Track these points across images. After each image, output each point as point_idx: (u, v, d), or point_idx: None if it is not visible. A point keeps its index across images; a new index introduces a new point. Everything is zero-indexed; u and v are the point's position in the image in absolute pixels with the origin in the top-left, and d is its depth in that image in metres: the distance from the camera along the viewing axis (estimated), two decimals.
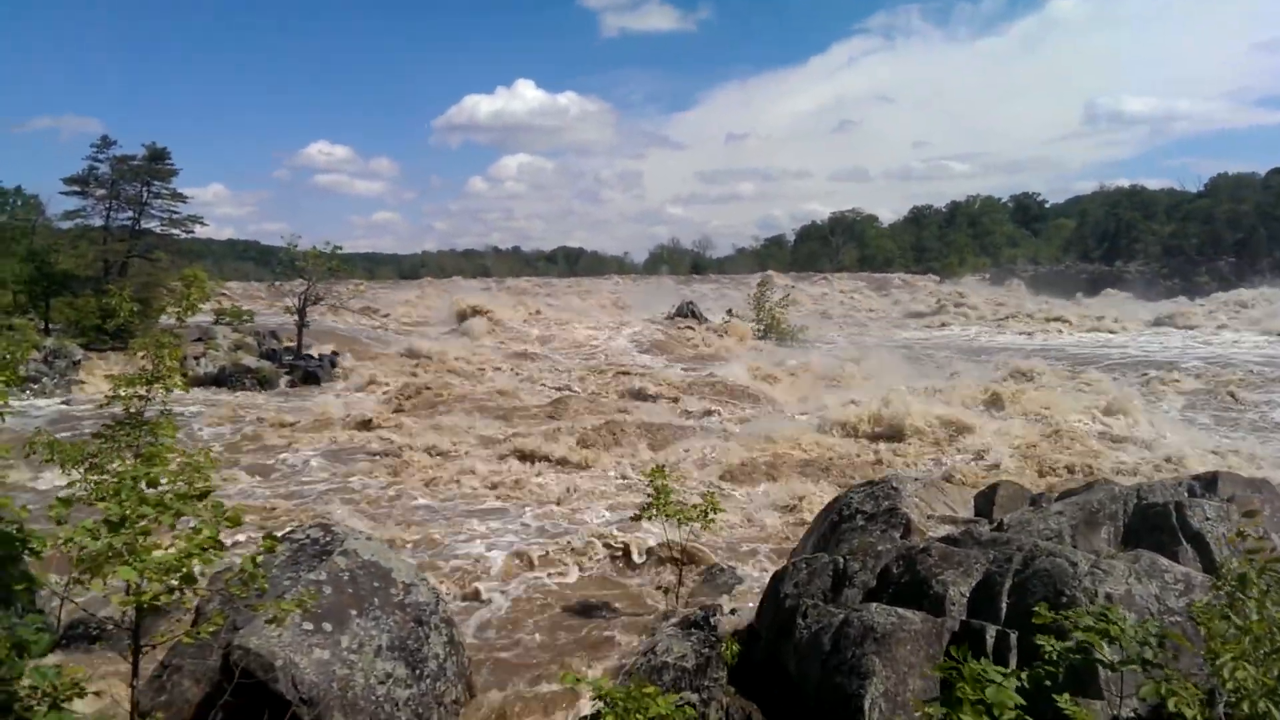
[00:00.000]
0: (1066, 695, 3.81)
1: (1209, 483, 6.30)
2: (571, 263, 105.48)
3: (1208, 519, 5.39)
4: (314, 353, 28.69)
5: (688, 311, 41.79)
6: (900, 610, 5.72)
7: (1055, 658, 3.73)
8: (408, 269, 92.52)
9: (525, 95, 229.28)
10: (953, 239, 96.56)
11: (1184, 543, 5.37)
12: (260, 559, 4.42)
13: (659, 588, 9.52)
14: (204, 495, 4.35)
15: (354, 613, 6.36)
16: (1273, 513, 5.54)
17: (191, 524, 4.17)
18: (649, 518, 8.97)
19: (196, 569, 4.00)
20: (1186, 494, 6.02)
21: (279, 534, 6.06)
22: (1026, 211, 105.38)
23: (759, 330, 38.60)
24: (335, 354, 29.06)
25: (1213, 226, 76.49)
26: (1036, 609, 3.80)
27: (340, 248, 29.73)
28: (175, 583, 3.89)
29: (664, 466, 9.91)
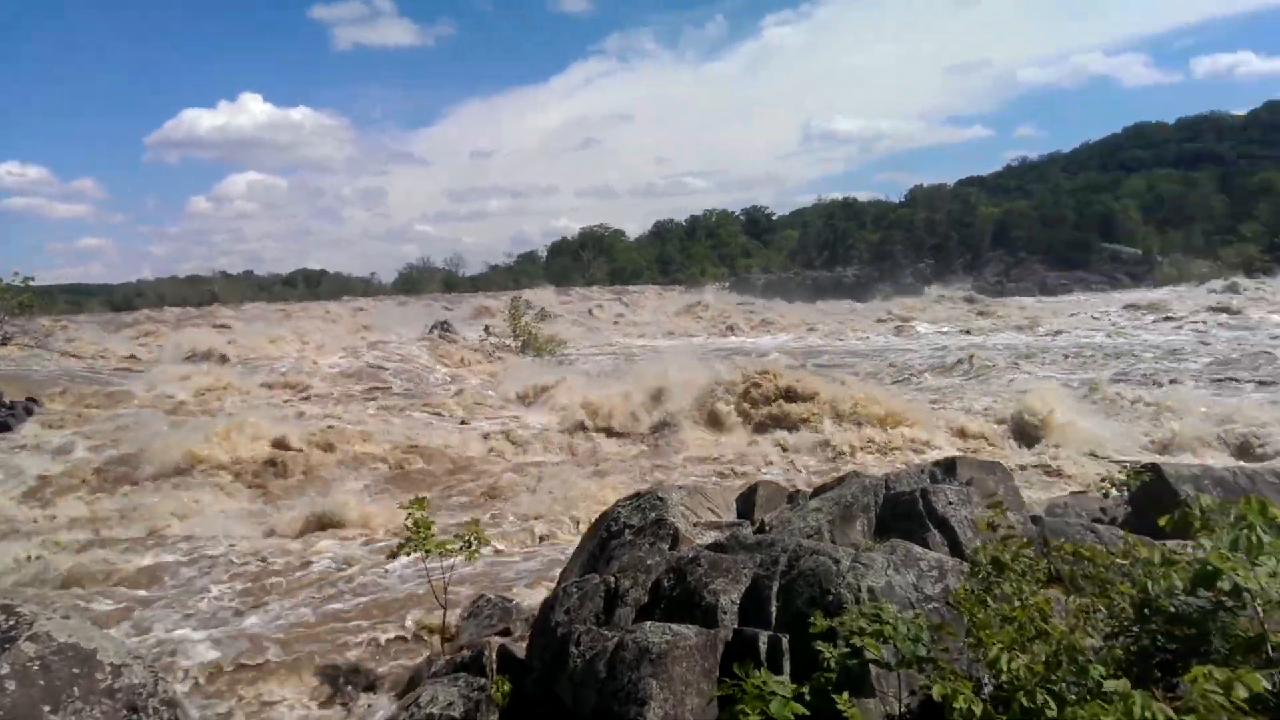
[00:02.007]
0: (845, 694, 3.74)
1: (948, 467, 6.69)
2: (313, 285, 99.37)
3: (950, 503, 5.66)
4: (4, 399, 24.67)
5: (441, 330, 40.60)
6: (674, 626, 5.55)
7: (833, 664, 3.63)
8: (121, 299, 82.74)
9: (252, 109, 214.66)
10: (694, 251, 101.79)
11: (932, 528, 5.61)
12: None
13: (422, 629, 8.83)
14: None
15: (48, 709, 5.24)
16: (1005, 493, 5.94)
17: None
18: (407, 554, 8.28)
19: None
20: (929, 480, 6.34)
21: None
22: (757, 224, 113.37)
23: (517, 346, 38.28)
24: (32, 400, 25.16)
25: (914, 233, 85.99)
26: (812, 617, 3.70)
27: (31, 279, 25.88)
28: None
29: (424, 498, 9.23)
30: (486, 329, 40.15)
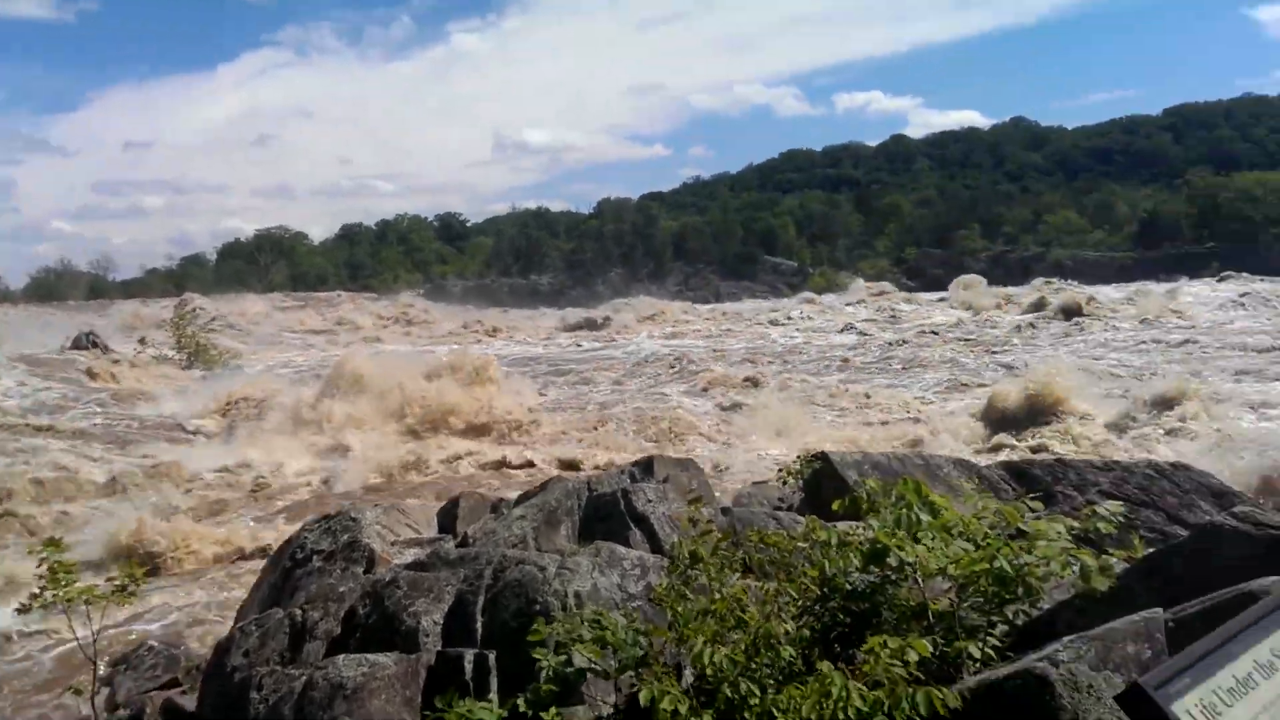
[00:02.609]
0: (554, 709, 3.64)
1: (646, 466, 6.89)
2: None
3: (650, 501, 5.82)
4: None
5: (87, 343, 35.40)
6: (371, 656, 5.17)
7: (550, 674, 3.52)
8: None
9: None
10: (386, 256, 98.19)
11: (633, 527, 5.72)
12: None
13: (69, 689, 7.51)
14: None
15: None
16: (699, 487, 6.21)
17: None
18: (42, 605, 6.98)
19: None
20: (629, 480, 6.48)
21: None
22: (451, 230, 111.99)
23: (182, 360, 34.32)
24: None
25: (603, 243, 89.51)
26: (535, 625, 3.56)
27: None
28: None
29: (59, 538, 7.85)
30: (143, 340, 35.53)
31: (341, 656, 5.12)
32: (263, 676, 5.27)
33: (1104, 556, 3.26)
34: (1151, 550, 3.86)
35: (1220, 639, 1.05)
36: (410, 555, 6.67)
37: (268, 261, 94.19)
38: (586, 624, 3.74)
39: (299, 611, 5.83)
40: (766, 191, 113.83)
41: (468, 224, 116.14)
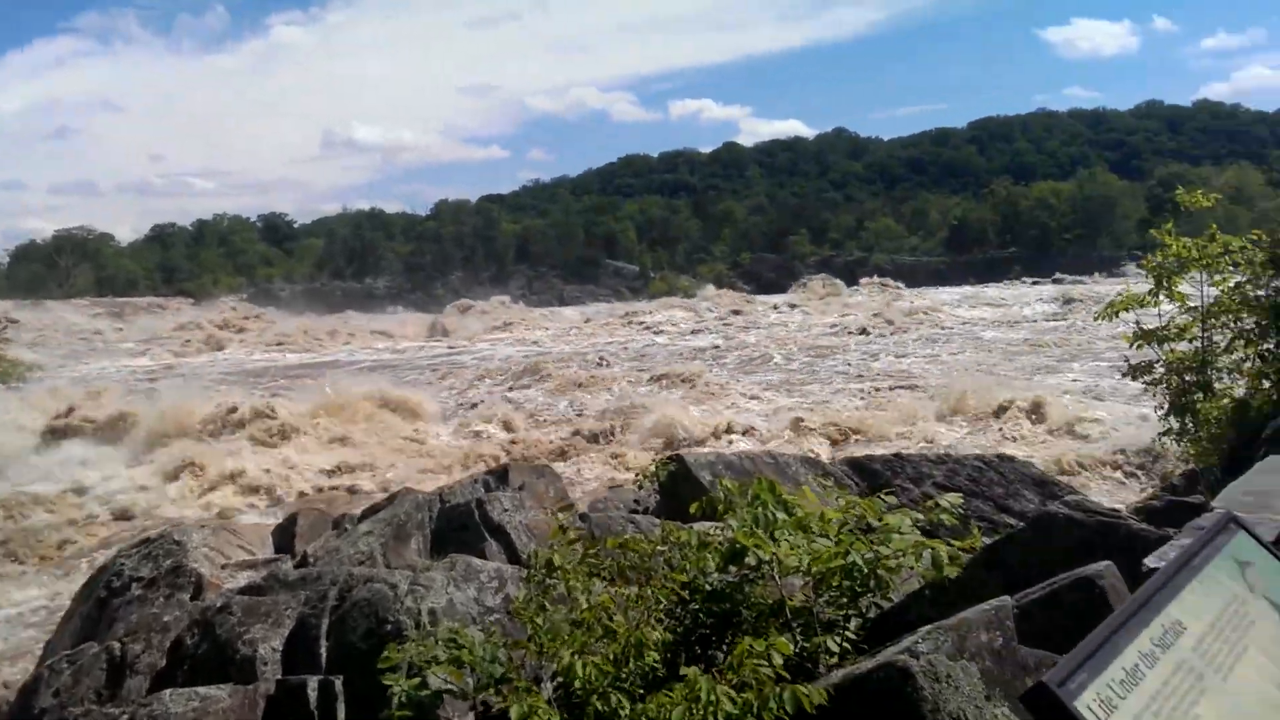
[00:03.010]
0: None
1: (501, 475, 6.72)
2: None
3: (506, 510, 5.67)
4: None
5: None
6: (202, 690, 4.80)
7: (404, 699, 3.34)
8: None
9: None
10: (204, 259, 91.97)
11: (489, 537, 5.56)
12: None
13: None
14: None
15: None
16: (556, 494, 6.11)
17: None
18: None
19: None
20: (484, 489, 6.30)
21: None
22: (277, 231, 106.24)
23: None
24: None
25: (442, 246, 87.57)
26: (387, 651, 3.37)
27: None
28: None
29: None
30: None
31: (168, 692, 4.74)
32: (77, 718, 4.80)
33: (951, 546, 3.42)
34: (991, 539, 4.09)
35: (1107, 632, 1.08)
36: (243, 578, 6.25)
37: (69, 265, 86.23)
38: (442, 644, 3.58)
39: (118, 644, 5.35)
40: (607, 195, 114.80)
41: (295, 225, 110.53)
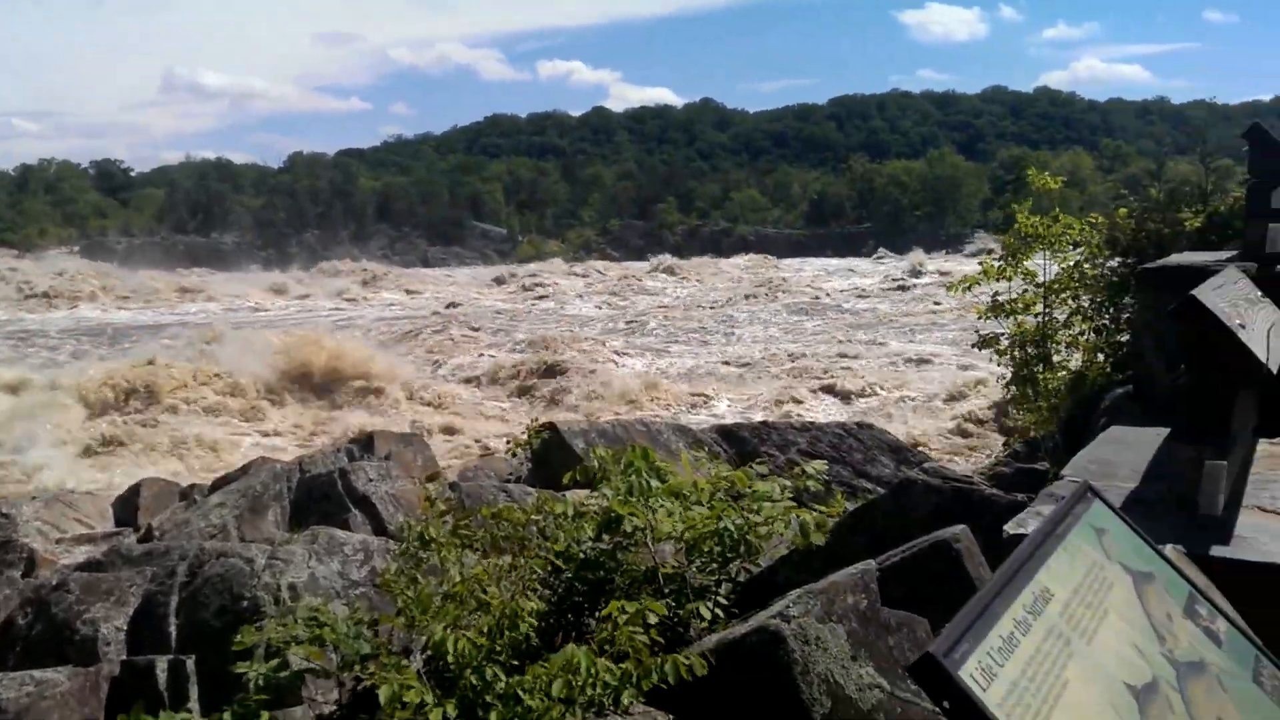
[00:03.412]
0: (267, 715, 3.33)
1: (366, 443, 6.48)
2: None
3: (371, 480, 5.48)
4: None
5: None
6: (38, 673, 4.48)
7: (262, 684, 3.19)
8: None
9: None
10: (29, 208, 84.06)
11: (353, 509, 5.38)
12: None
13: None
14: None
15: None
16: (424, 462, 5.96)
17: None
18: None
19: None
20: (347, 459, 6.07)
21: None
22: (112, 180, 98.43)
23: None
24: None
25: (296, 201, 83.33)
26: (240, 634, 3.20)
27: None
28: None
29: None
30: None
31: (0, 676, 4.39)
32: None
33: (818, 513, 3.55)
34: (853, 504, 4.27)
35: (985, 600, 1.13)
36: (82, 554, 5.82)
37: None
38: (302, 622, 3.43)
39: None
40: (473, 155, 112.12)
41: (132, 173, 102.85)
